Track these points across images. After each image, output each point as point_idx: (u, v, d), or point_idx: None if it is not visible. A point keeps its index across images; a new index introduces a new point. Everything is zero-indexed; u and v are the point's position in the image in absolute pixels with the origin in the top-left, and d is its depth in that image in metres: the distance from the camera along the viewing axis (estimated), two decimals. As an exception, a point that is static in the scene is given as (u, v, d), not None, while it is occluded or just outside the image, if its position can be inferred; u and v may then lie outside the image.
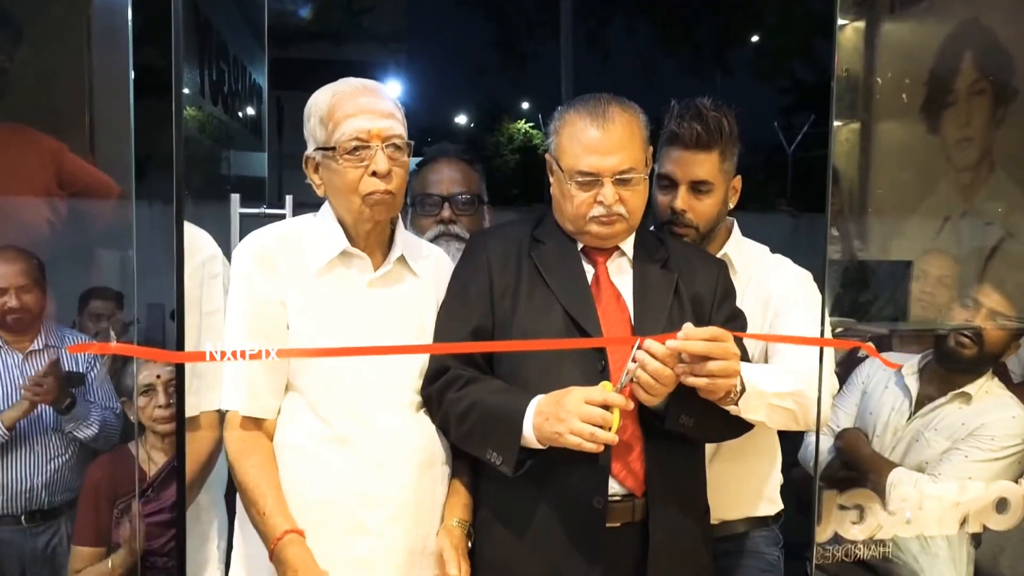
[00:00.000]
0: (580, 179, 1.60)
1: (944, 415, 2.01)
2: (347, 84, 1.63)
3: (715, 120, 1.82)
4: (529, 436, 1.52)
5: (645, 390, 1.48)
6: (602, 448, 1.47)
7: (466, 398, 1.58)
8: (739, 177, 1.90)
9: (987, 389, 2.01)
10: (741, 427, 1.63)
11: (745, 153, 1.92)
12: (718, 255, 1.88)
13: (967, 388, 2.01)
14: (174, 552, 1.75)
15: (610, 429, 1.45)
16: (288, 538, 1.51)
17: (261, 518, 1.53)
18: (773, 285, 1.85)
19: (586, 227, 1.63)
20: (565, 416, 1.46)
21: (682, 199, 1.83)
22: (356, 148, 1.57)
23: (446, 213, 2.04)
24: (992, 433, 1.96)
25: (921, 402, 2.04)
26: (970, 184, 2.24)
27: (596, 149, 1.59)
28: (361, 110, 1.58)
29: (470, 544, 1.64)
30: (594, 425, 1.45)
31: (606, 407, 1.46)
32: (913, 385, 2.05)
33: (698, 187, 1.83)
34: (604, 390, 1.48)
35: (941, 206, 2.22)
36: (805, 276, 1.87)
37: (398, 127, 1.60)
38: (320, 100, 1.62)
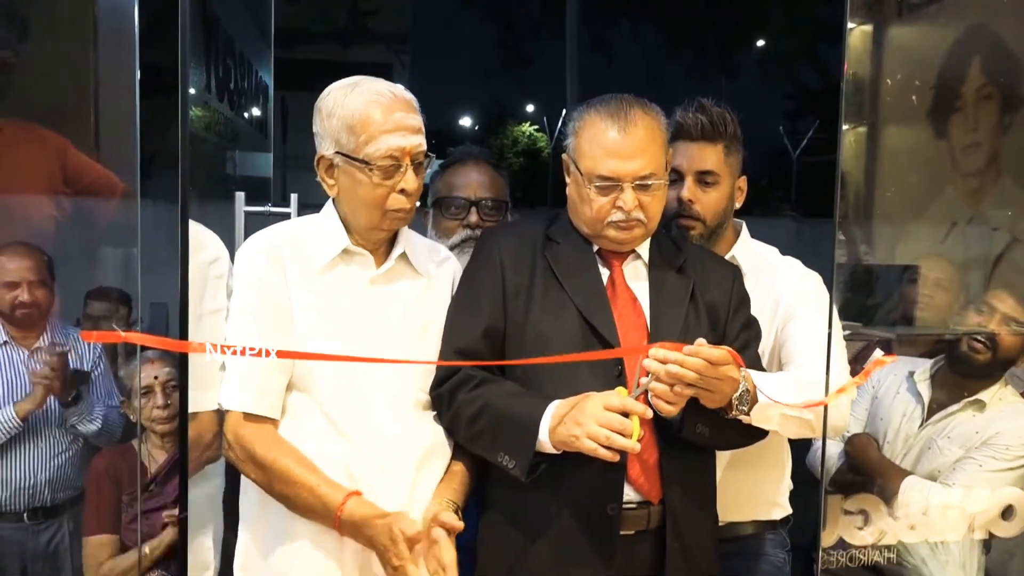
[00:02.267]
0: (600, 183, 1.58)
1: (957, 423, 1.99)
2: (378, 93, 1.58)
3: (718, 114, 1.83)
4: (544, 441, 1.50)
5: (662, 400, 1.46)
6: (618, 457, 1.44)
7: (479, 399, 1.56)
8: (744, 177, 1.91)
9: (1001, 396, 1.99)
10: (756, 435, 1.62)
11: (750, 158, 1.92)
12: (726, 257, 1.88)
13: (981, 395, 1.98)
14: (175, 545, 1.75)
15: (631, 436, 1.42)
16: (352, 500, 1.51)
17: (314, 496, 1.52)
18: (782, 288, 1.84)
19: (603, 231, 1.61)
20: (583, 420, 1.44)
21: (689, 189, 1.83)
22: (389, 166, 1.56)
23: (473, 218, 2.00)
24: (1007, 442, 1.94)
25: (933, 409, 2.02)
26: (977, 189, 2.23)
27: (617, 153, 1.57)
28: (397, 127, 1.56)
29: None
30: (613, 431, 1.42)
31: (625, 414, 1.44)
32: (925, 391, 2.03)
33: (704, 178, 1.83)
34: (621, 396, 1.46)
35: (948, 211, 2.21)
36: (814, 278, 1.87)
37: (424, 143, 1.60)
38: (351, 104, 1.57)
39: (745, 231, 1.94)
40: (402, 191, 1.57)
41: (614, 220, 1.58)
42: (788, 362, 1.77)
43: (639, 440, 1.44)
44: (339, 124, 1.57)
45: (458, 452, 1.66)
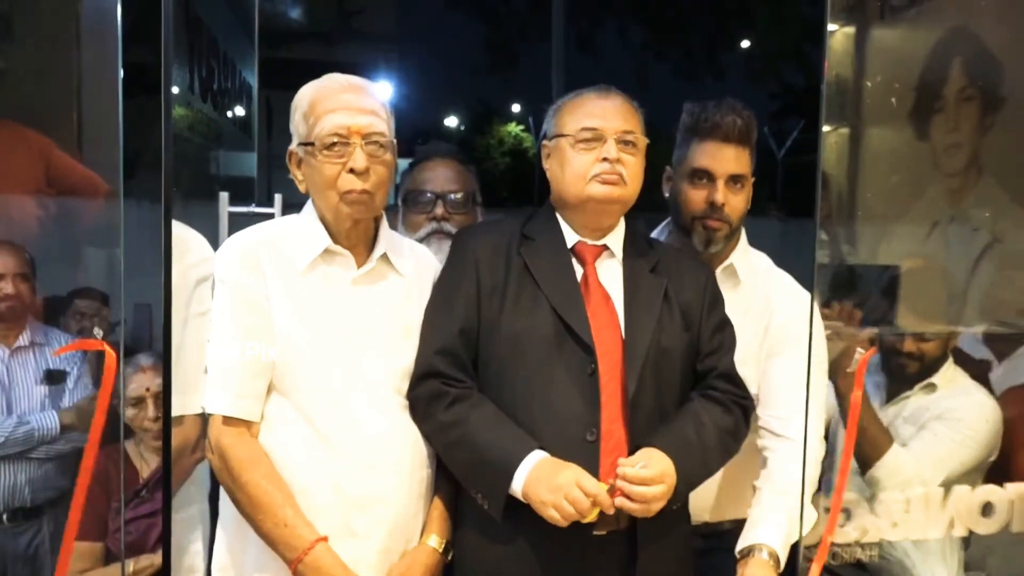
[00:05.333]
0: (584, 136, 1.61)
1: (911, 406, 2.05)
2: (332, 80, 1.61)
3: (748, 117, 1.85)
4: (518, 490, 1.52)
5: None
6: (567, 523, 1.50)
7: (456, 426, 1.57)
8: (752, 180, 1.92)
9: (951, 378, 2.05)
10: (732, 453, 1.69)
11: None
12: (724, 264, 1.89)
13: (932, 379, 2.04)
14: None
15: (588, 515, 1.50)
16: (320, 547, 1.51)
17: (282, 529, 1.51)
18: (776, 317, 1.86)
19: (587, 189, 1.62)
20: (554, 490, 1.48)
21: (722, 193, 1.83)
22: (335, 144, 1.55)
23: (439, 211, 2.03)
24: (959, 416, 2.00)
25: (888, 396, 2.07)
26: (958, 190, 2.25)
27: (600, 115, 1.63)
28: (342, 106, 1.57)
29: (449, 557, 1.64)
30: (577, 509, 1.48)
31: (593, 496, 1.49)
32: (881, 380, 2.08)
33: (736, 180, 1.84)
34: (599, 486, 1.50)
35: (930, 211, 2.23)
36: (807, 308, 1.88)
37: (380, 124, 1.59)
38: (303, 95, 1.61)
39: (744, 237, 1.95)
40: (351, 170, 1.55)
41: (597, 172, 1.60)
42: (768, 404, 1.80)
43: (604, 436, 1.53)
44: (298, 116, 1.60)
45: (443, 475, 1.66)
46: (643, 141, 1.65)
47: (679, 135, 1.92)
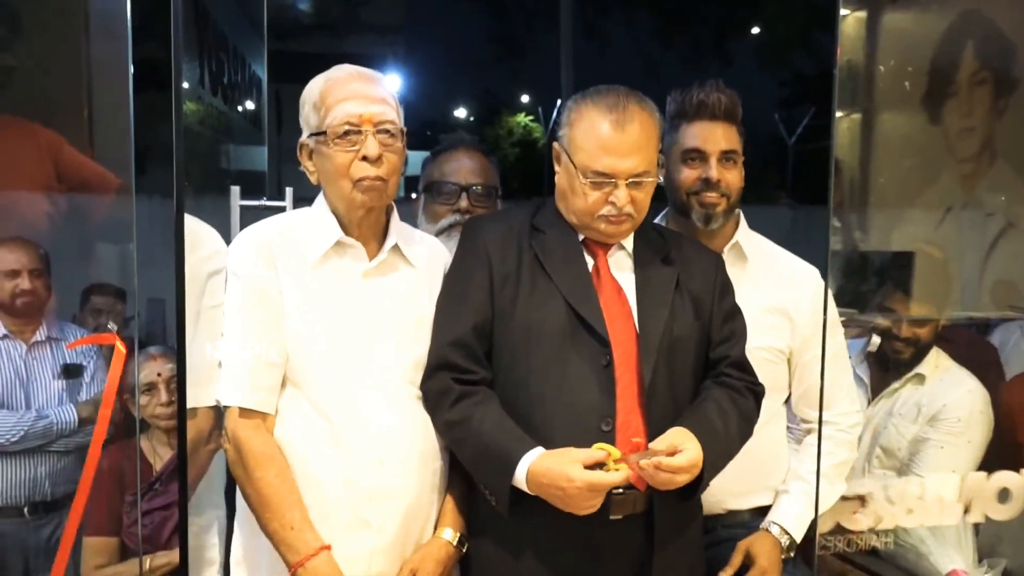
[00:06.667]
0: (594, 179, 1.58)
1: (903, 398, 2.03)
2: (341, 71, 1.61)
3: (731, 95, 1.86)
4: (521, 485, 1.52)
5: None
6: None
7: (459, 425, 1.57)
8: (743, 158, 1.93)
9: (937, 364, 2.03)
10: (748, 434, 1.67)
11: (745, 145, 1.93)
12: (730, 243, 1.89)
13: (919, 369, 2.03)
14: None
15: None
16: (323, 555, 1.52)
17: (288, 532, 1.51)
18: (800, 308, 1.86)
19: (593, 224, 1.61)
20: (570, 501, 1.48)
21: (715, 169, 1.84)
22: (347, 132, 1.55)
23: (463, 203, 2.02)
24: (956, 415, 1.98)
25: (877, 388, 2.05)
26: (971, 174, 2.24)
27: (613, 150, 1.56)
28: (353, 95, 1.57)
29: (464, 550, 1.65)
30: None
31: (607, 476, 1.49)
32: (864, 373, 2.06)
33: (727, 157, 1.85)
34: (600, 474, 1.48)
35: (943, 197, 2.22)
36: (821, 296, 1.88)
37: (390, 113, 1.59)
38: (313, 87, 1.61)
39: (743, 220, 1.95)
40: (364, 158, 1.56)
41: (605, 214, 1.59)
42: (800, 400, 1.86)
43: (620, 426, 1.54)
44: (308, 108, 1.60)
45: (453, 470, 1.67)
46: (653, 178, 1.61)
47: (666, 123, 1.91)
